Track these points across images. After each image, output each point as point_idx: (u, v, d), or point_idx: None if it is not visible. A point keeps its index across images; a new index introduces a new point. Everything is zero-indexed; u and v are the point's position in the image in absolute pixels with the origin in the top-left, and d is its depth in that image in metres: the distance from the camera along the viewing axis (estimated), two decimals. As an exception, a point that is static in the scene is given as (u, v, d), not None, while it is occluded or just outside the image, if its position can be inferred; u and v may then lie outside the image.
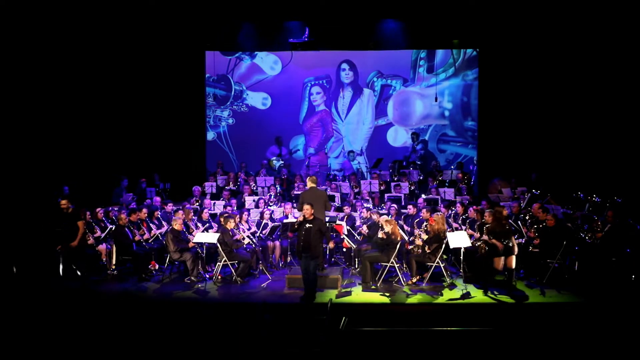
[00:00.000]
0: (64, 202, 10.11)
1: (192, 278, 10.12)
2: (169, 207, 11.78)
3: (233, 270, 10.20)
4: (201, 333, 7.82)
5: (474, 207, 11.18)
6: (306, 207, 8.99)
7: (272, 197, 12.90)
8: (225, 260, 10.07)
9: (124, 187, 13.23)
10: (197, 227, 11.07)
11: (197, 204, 12.47)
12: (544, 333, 7.73)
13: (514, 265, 9.26)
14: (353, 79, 16.43)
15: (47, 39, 13.02)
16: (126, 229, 10.47)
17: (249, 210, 11.78)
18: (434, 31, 14.84)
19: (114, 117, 14.59)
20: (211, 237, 10.14)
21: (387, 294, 9.36)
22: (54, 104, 13.50)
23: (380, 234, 9.83)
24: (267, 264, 10.88)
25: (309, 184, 10.27)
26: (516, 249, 9.27)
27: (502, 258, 9.23)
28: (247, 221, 11.22)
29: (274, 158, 15.46)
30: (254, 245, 10.68)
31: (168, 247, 10.27)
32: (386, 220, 9.85)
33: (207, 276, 10.23)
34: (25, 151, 12.86)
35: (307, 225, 8.92)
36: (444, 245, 9.76)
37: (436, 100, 15.41)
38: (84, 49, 13.76)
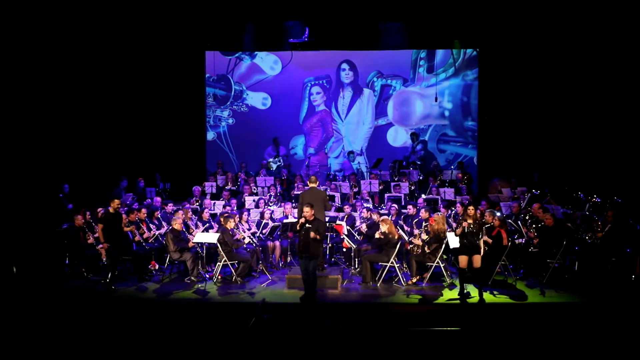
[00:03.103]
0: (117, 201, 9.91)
1: (192, 278, 10.12)
2: (169, 207, 11.78)
3: (233, 270, 10.20)
4: (201, 333, 7.82)
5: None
6: (306, 209, 8.99)
7: (272, 197, 12.90)
8: (225, 260, 10.07)
9: (123, 188, 13.22)
10: (197, 227, 11.07)
11: (197, 204, 12.47)
12: (544, 333, 7.73)
13: (479, 265, 9.10)
14: (353, 79, 16.43)
15: (48, 39, 13.01)
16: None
17: (249, 210, 11.79)
18: (434, 31, 14.85)
19: (114, 117, 14.59)
20: (211, 237, 10.14)
21: (387, 294, 9.35)
22: (55, 104, 13.50)
23: (377, 234, 9.84)
24: (267, 264, 10.89)
25: (310, 184, 10.27)
26: (481, 250, 9.09)
27: (466, 257, 9.12)
28: (247, 221, 11.23)
29: (271, 160, 15.45)
30: (254, 245, 10.68)
31: (168, 247, 10.27)
32: (382, 220, 9.85)
33: (207, 276, 10.23)
34: (27, 151, 12.85)
35: (307, 225, 8.93)
36: (444, 245, 9.76)
37: (436, 100, 15.40)
38: (84, 49, 13.75)
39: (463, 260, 9.14)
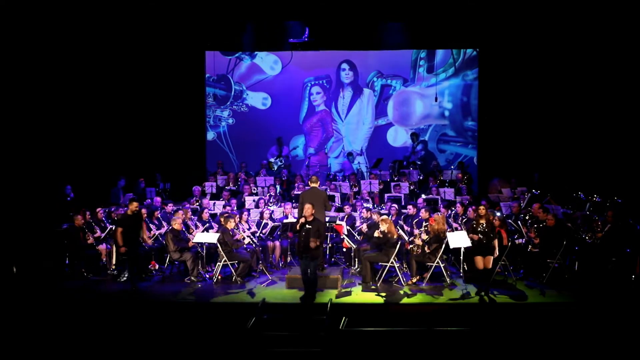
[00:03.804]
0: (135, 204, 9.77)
1: (192, 278, 10.12)
2: (169, 207, 11.78)
3: (233, 270, 10.20)
4: (201, 333, 7.82)
5: (474, 207, 11.16)
6: (307, 206, 8.99)
7: (272, 197, 12.90)
8: (225, 260, 10.07)
9: (121, 187, 13.23)
10: (197, 227, 11.07)
11: (197, 204, 12.47)
12: (544, 333, 7.73)
13: (490, 266, 9.15)
14: (353, 79, 16.43)
15: (48, 39, 13.01)
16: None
17: (249, 210, 11.79)
18: (434, 31, 14.85)
19: (114, 117, 14.59)
20: (211, 237, 10.15)
21: (387, 294, 9.35)
22: (56, 105, 13.49)
23: (376, 233, 9.84)
24: (267, 264, 10.89)
25: (311, 184, 10.27)
26: (496, 252, 9.16)
27: (482, 257, 9.14)
28: (247, 221, 11.23)
29: (272, 159, 15.46)
30: (254, 245, 10.68)
31: (168, 247, 10.27)
32: (382, 219, 9.85)
33: (207, 276, 10.24)
34: (27, 151, 12.85)
35: (307, 226, 8.93)
36: (444, 245, 9.76)
37: (436, 100, 15.40)
38: (84, 49, 13.75)
39: (479, 261, 9.14)
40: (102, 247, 10.65)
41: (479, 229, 9.14)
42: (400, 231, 10.40)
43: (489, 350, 7.25)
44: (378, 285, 9.82)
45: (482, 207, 9.35)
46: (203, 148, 16.32)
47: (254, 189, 13.36)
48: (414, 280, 9.89)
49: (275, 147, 15.92)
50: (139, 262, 9.82)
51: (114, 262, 10.63)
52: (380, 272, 10.00)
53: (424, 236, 10.06)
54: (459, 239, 9.61)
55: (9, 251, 10.59)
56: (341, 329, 7.62)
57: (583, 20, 13.37)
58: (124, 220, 9.66)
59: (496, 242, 9.15)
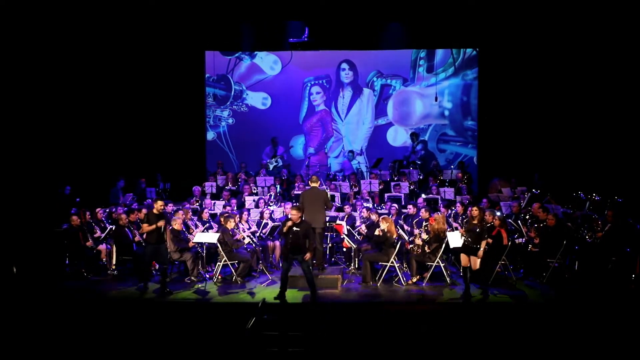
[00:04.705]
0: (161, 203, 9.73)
1: (192, 278, 10.13)
2: (169, 207, 11.77)
3: (233, 270, 10.20)
4: (201, 333, 7.82)
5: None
6: (293, 211, 8.97)
7: (272, 197, 12.90)
8: (225, 260, 10.07)
9: (120, 188, 13.24)
10: (197, 227, 11.07)
11: (197, 204, 12.47)
12: (544, 333, 7.73)
13: (477, 266, 9.04)
14: (353, 78, 16.43)
15: (48, 40, 13.02)
16: (126, 229, 10.48)
17: (249, 210, 11.79)
18: (434, 31, 14.85)
19: (114, 118, 14.60)
20: (211, 237, 10.14)
21: (387, 294, 9.35)
22: (56, 105, 13.50)
23: (376, 232, 9.84)
24: (267, 264, 10.90)
25: (312, 184, 10.27)
26: (481, 253, 8.98)
27: (466, 256, 9.10)
28: (247, 221, 11.23)
29: (269, 161, 15.46)
30: (254, 245, 10.68)
31: (168, 247, 10.26)
32: (382, 218, 9.85)
33: (207, 276, 10.24)
34: (28, 151, 12.85)
35: (295, 228, 8.90)
36: (444, 245, 9.75)
37: (436, 100, 15.40)
38: (84, 49, 13.76)
39: (464, 258, 9.14)
40: (102, 247, 10.65)
41: (470, 228, 9.12)
42: (400, 231, 10.40)
43: (489, 350, 7.25)
44: (378, 285, 9.82)
45: (475, 209, 9.30)
46: (203, 148, 16.33)
47: (254, 189, 13.36)
48: (414, 280, 9.90)
49: (269, 148, 15.91)
50: (166, 261, 9.77)
51: (114, 262, 10.63)
52: (380, 272, 10.01)
53: (424, 236, 10.06)
54: (459, 239, 9.60)
55: (9, 251, 10.59)
56: (340, 328, 7.62)
57: (583, 20, 13.37)
58: (150, 220, 9.54)
59: (483, 243, 9.04)
